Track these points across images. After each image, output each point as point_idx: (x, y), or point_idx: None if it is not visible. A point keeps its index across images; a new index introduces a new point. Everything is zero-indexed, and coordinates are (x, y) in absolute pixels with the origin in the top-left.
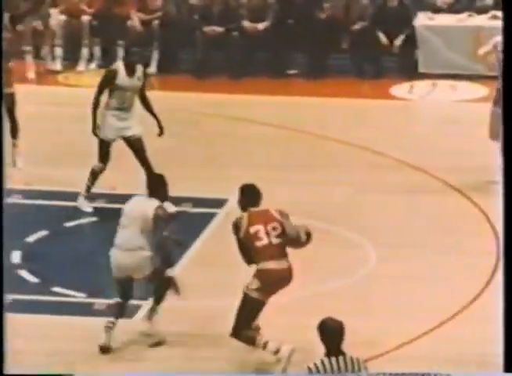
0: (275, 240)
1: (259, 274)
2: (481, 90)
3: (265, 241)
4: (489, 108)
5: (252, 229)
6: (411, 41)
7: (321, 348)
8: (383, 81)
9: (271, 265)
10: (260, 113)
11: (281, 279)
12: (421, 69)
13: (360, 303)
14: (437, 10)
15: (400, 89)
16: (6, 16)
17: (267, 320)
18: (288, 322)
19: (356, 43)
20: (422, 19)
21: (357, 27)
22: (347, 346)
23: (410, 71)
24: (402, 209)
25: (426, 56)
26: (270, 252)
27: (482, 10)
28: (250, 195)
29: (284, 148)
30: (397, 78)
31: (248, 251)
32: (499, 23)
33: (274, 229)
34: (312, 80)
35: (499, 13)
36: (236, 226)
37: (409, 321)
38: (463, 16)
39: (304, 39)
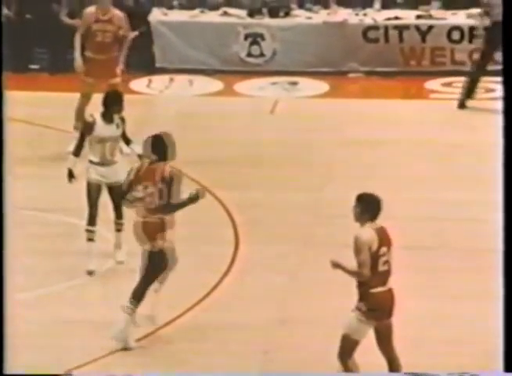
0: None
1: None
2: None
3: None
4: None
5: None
6: (148, 37)
7: None
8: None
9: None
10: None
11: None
12: (158, 63)
13: None
14: (171, 7)
15: (139, 84)
16: None
17: None
18: None
19: None
20: (156, 15)
21: None
22: None
23: (148, 66)
24: None
25: (162, 51)
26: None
27: (214, 7)
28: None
29: (35, 143)
30: (136, 73)
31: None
32: None
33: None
34: (55, 75)
35: None
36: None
37: None
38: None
39: (43, 34)
